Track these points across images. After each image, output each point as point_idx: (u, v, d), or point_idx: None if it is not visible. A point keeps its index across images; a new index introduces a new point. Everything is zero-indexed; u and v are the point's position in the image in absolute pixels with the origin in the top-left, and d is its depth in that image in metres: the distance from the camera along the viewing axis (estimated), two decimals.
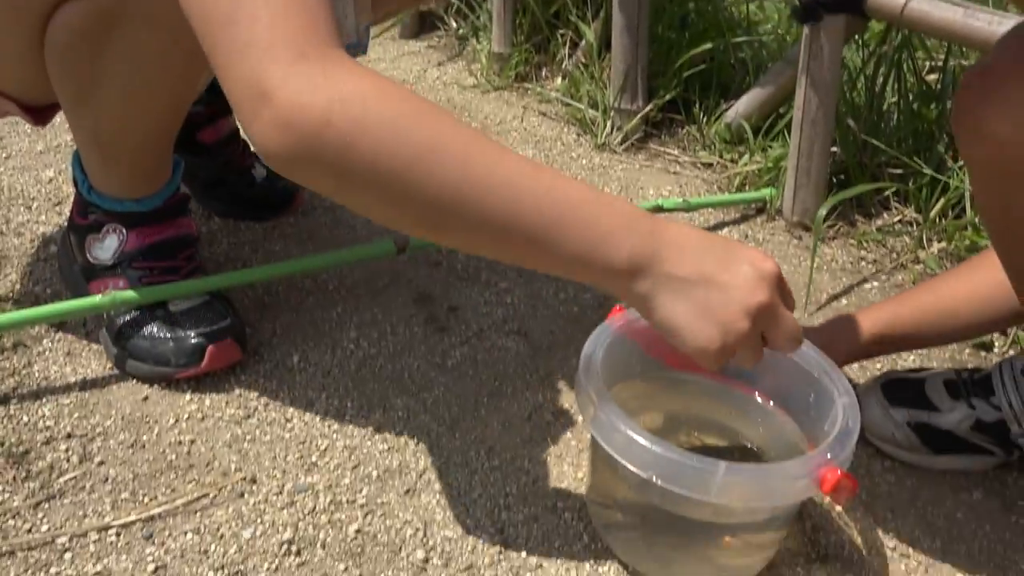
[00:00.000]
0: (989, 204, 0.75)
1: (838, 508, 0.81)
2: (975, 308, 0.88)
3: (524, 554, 0.73)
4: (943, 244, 1.18)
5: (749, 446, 0.78)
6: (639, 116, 1.44)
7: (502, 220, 0.59)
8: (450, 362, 0.95)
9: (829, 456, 0.63)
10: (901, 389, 0.88)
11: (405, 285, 1.06)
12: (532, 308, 1.05)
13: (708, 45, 1.44)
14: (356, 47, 0.98)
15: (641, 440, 0.62)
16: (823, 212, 1.12)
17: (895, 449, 0.86)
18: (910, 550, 0.77)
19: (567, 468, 0.82)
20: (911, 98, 1.28)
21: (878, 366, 0.99)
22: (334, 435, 0.84)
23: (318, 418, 0.85)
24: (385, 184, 0.58)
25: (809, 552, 0.76)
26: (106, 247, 0.90)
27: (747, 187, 1.33)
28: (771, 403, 0.77)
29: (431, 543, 0.74)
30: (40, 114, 0.93)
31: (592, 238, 0.60)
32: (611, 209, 0.61)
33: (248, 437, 0.83)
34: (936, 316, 0.89)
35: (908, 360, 1.00)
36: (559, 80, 1.64)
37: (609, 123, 1.46)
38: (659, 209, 1.20)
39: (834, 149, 1.27)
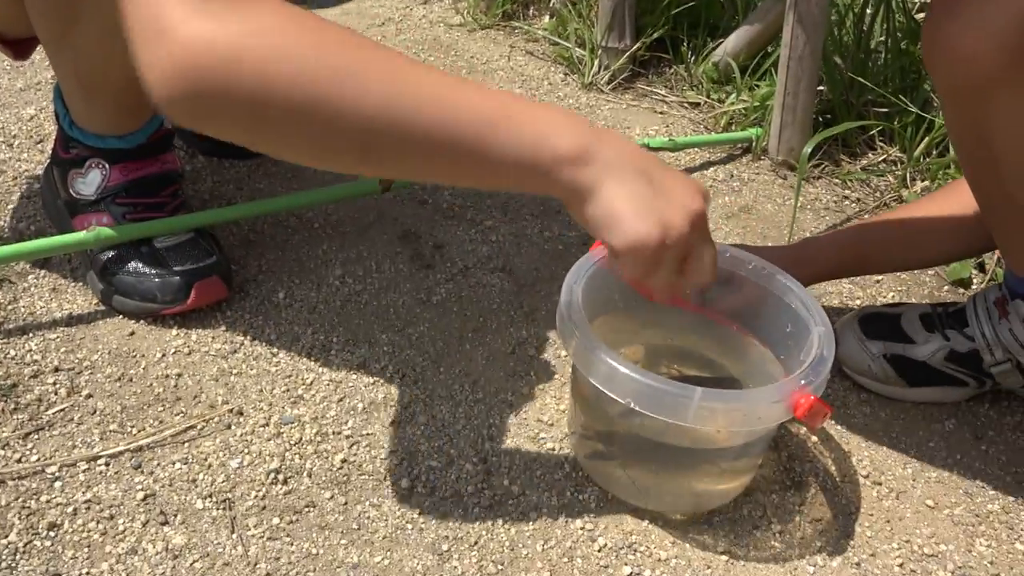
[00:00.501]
0: (959, 126, 0.75)
1: (813, 438, 0.83)
2: (943, 234, 0.89)
3: (507, 482, 0.75)
4: (926, 183, 1.18)
5: (729, 377, 0.80)
6: (626, 55, 1.43)
7: (439, 133, 0.56)
8: (435, 298, 0.95)
9: (803, 382, 0.64)
10: (877, 322, 0.89)
11: (391, 223, 1.07)
12: (516, 246, 1.05)
13: None
14: None
15: (620, 368, 0.63)
16: (808, 150, 1.12)
17: (871, 381, 0.88)
18: (882, 477, 0.79)
19: (549, 400, 0.84)
20: (899, 36, 1.27)
21: (857, 301, 1.00)
22: (320, 369, 0.85)
23: (304, 353, 0.86)
24: (309, 113, 0.53)
25: (784, 480, 0.78)
26: (89, 182, 0.90)
27: (734, 127, 1.33)
28: (749, 335, 0.79)
29: (416, 472, 0.75)
30: (20, 47, 0.92)
31: (533, 133, 0.57)
32: (547, 108, 0.59)
33: (235, 371, 0.84)
34: (903, 240, 0.90)
35: (887, 296, 1.02)
36: (546, 19, 1.62)
37: (596, 62, 1.45)
38: (645, 148, 1.19)
39: (821, 88, 1.26)
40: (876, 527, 0.75)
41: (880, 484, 0.79)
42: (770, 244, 1.09)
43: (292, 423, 0.78)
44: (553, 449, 0.79)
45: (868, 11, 1.27)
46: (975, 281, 1.05)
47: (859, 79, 1.23)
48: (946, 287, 1.04)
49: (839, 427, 0.85)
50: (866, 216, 1.16)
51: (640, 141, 1.20)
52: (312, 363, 0.85)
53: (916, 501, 0.77)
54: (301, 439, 0.77)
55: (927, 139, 1.19)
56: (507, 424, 0.81)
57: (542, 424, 0.81)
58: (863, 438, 0.84)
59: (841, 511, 0.76)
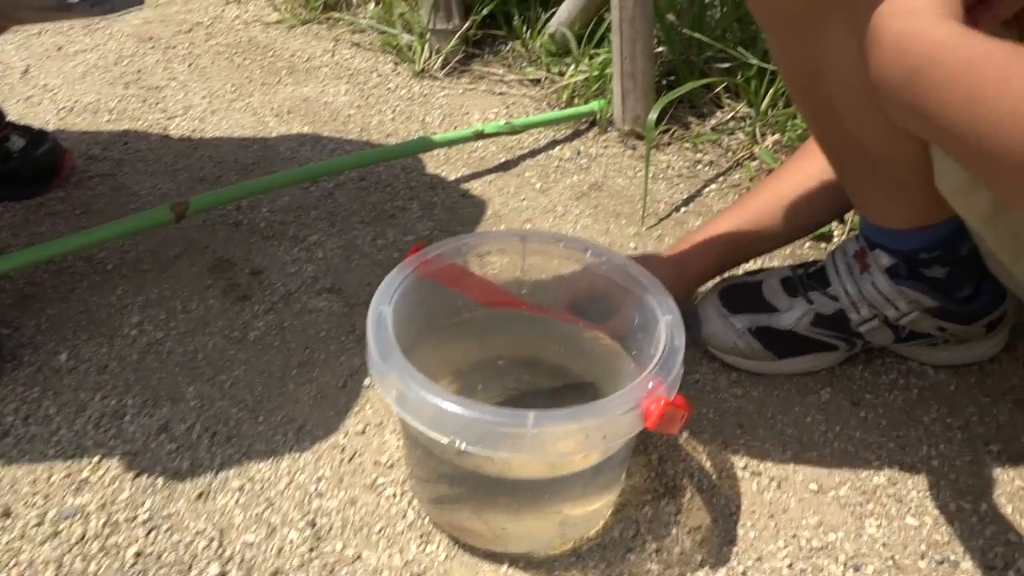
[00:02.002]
0: (790, 65, 0.68)
1: (685, 433, 0.75)
2: (815, 198, 0.83)
3: (339, 546, 0.64)
4: (776, 136, 1.13)
5: (583, 382, 0.71)
6: (457, 36, 1.33)
7: None
8: (252, 334, 0.83)
9: (651, 384, 0.55)
10: (738, 294, 0.82)
11: (199, 253, 0.93)
12: (346, 260, 0.94)
13: None
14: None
15: (438, 402, 0.53)
16: (653, 116, 1.04)
17: (739, 359, 0.81)
18: (761, 466, 0.72)
19: (389, 437, 0.73)
20: None
21: None
22: (111, 442, 0.71)
23: (91, 425, 0.73)
24: None
25: (656, 487, 0.70)
26: None
27: (577, 99, 1.24)
28: (597, 330, 0.70)
29: (228, 553, 0.63)
30: None
31: None
32: None
33: (1, 462, 0.69)
34: (776, 216, 0.83)
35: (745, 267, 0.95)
36: (371, 6, 1.50)
37: (426, 47, 1.34)
38: (480, 135, 1.10)
39: (660, 50, 1.19)
40: (759, 525, 0.67)
41: (760, 475, 0.72)
42: (631, 230, 1.01)
43: (73, 516, 0.65)
44: (394, 495, 0.68)
45: None
46: (835, 234, 0.99)
47: (697, 36, 1.16)
48: (808, 243, 0.98)
49: (711, 415, 0.77)
50: (721, 178, 1.10)
51: (474, 128, 1.10)
52: (101, 436, 0.72)
53: (799, 487, 0.71)
54: (84, 535, 0.64)
55: (772, 91, 1.13)
56: (340, 473, 0.70)
57: (380, 467, 0.70)
58: (738, 424, 0.76)
59: (721, 513, 0.68)
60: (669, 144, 1.16)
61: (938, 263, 0.74)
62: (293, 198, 1.03)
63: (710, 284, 0.86)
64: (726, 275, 0.86)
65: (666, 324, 0.60)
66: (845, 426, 0.77)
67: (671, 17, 1.17)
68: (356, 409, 0.76)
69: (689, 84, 1.11)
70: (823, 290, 0.79)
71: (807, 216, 0.85)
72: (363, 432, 0.73)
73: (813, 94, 0.67)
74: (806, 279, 0.80)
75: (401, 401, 0.55)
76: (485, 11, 1.35)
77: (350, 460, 0.71)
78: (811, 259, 0.94)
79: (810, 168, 0.83)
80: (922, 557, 0.65)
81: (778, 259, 0.96)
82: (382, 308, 0.60)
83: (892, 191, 0.71)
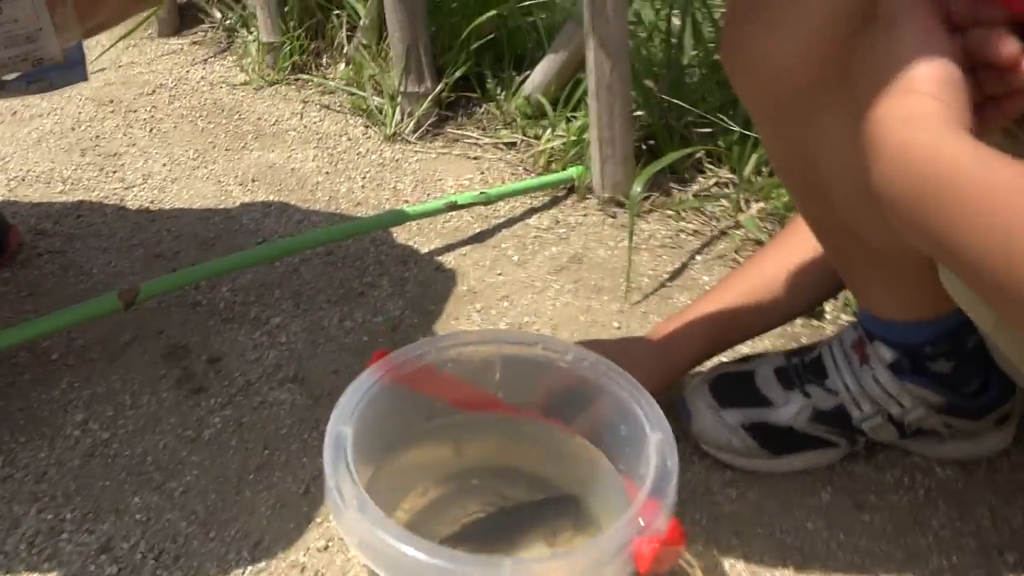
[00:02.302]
0: (779, 149, 0.64)
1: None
2: (803, 278, 0.79)
3: None
4: (760, 204, 1.09)
5: (564, 494, 0.65)
6: (429, 99, 1.29)
7: None
8: (207, 433, 0.77)
9: (643, 522, 0.50)
10: (731, 386, 0.77)
11: (153, 338, 0.87)
12: (312, 345, 0.88)
13: (493, 12, 1.29)
14: (67, 70, 0.78)
15: (406, 550, 0.47)
16: (637, 189, 1.00)
17: (733, 457, 0.76)
18: None
19: (353, 554, 0.67)
20: (711, 48, 1.18)
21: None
22: (44, 565, 0.64)
23: (24, 544, 0.66)
24: None
25: None
26: None
27: (554, 164, 1.20)
28: (578, 435, 0.65)
29: None
30: None
31: None
32: None
33: None
34: (766, 296, 0.79)
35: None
36: (342, 67, 1.46)
37: (398, 110, 1.30)
38: (454, 206, 1.05)
39: (638, 113, 1.16)
40: None
41: None
42: (614, 307, 0.96)
43: None
44: None
45: (675, 23, 1.18)
46: (827, 310, 0.95)
47: (675, 101, 1.13)
48: (799, 321, 0.94)
49: (704, 521, 0.71)
50: (706, 250, 1.06)
51: (448, 199, 1.05)
52: (34, 558, 0.65)
53: None
54: None
55: (755, 156, 1.10)
56: None
57: None
58: (734, 532, 0.71)
59: None
60: (650, 212, 1.12)
61: (943, 357, 0.69)
62: (256, 275, 0.97)
63: (698, 369, 0.81)
64: (715, 361, 0.81)
65: (656, 444, 0.55)
66: (849, 533, 0.71)
67: (649, 84, 1.13)
68: (318, 520, 0.69)
69: (670, 156, 1.07)
70: (820, 383, 0.74)
71: (799, 296, 0.80)
72: (325, 548, 0.67)
73: (805, 181, 0.63)
74: (802, 369, 0.76)
75: (364, 547, 0.49)
76: (457, 73, 1.31)
77: None
78: (804, 340, 0.90)
79: (801, 246, 0.79)
80: None
81: (769, 338, 0.91)
82: (341, 428, 0.54)
83: (893, 283, 0.66)
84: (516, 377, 0.65)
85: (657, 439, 0.55)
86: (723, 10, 1.19)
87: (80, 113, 1.35)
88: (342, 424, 0.54)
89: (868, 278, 0.67)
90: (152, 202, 1.12)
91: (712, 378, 0.78)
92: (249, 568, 0.65)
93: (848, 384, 0.72)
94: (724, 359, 0.83)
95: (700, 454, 0.77)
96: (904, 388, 0.70)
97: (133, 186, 1.15)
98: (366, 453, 0.56)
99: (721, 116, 1.11)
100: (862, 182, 0.50)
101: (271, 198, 1.14)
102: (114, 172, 1.18)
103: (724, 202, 1.12)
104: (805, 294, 0.81)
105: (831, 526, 0.72)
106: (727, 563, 0.68)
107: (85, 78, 0.81)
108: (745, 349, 0.87)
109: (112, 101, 1.39)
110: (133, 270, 0.98)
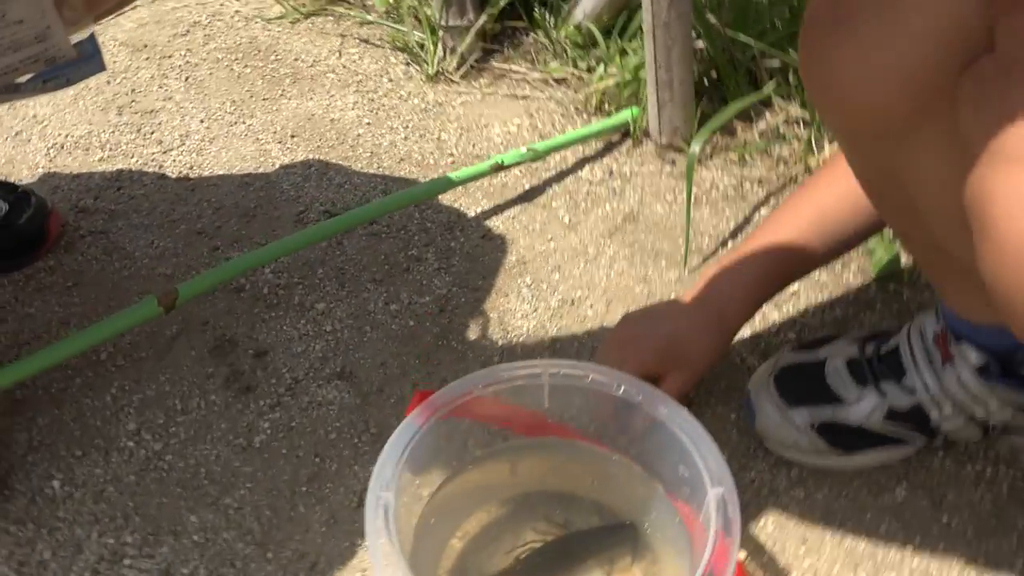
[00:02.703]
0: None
1: (742, 552, 0.67)
2: (855, 214, 0.72)
3: None
4: (835, 144, 1.00)
5: (622, 523, 0.63)
6: (473, 31, 1.20)
7: None
8: (258, 439, 0.76)
9: None
10: (797, 380, 0.72)
11: (198, 331, 0.86)
12: (358, 333, 0.85)
13: None
14: (83, 64, 0.74)
15: None
16: (696, 149, 0.92)
17: (800, 455, 0.72)
18: None
19: None
20: None
21: (772, 331, 0.83)
22: None
23: (88, 573, 0.67)
24: None
25: None
26: None
27: (608, 104, 1.12)
28: (632, 462, 0.61)
29: None
30: None
31: None
32: None
33: None
34: (817, 236, 0.74)
35: (807, 319, 0.84)
36: None
37: (439, 45, 1.22)
38: (500, 167, 0.99)
39: (700, 45, 1.06)
40: None
41: None
42: (672, 274, 0.90)
43: None
44: None
45: None
46: (905, 275, 0.88)
47: (740, 36, 1.02)
48: (873, 287, 0.87)
49: (770, 527, 0.69)
50: (772, 200, 0.98)
51: (493, 160, 0.99)
52: None
53: None
54: None
55: None
56: None
57: None
58: (802, 535, 0.68)
59: None
60: (711, 157, 1.04)
61: None
62: (299, 252, 0.94)
63: (752, 338, 0.76)
64: (780, 354, 0.75)
65: (715, 501, 0.51)
66: (925, 536, 0.67)
67: (712, 19, 1.03)
68: None
69: (734, 105, 0.98)
70: (898, 381, 0.68)
71: (856, 232, 0.74)
72: (387, 556, 0.66)
73: (892, 199, 0.55)
74: (877, 363, 0.70)
75: None
76: (503, 2, 1.21)
77: None
78: (878, 315, 0.84)
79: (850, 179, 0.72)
80: None
81: (840, 308, 0.85)
82: (382, 495, 0.51)
83: (983, 292, 0.59)
84: (566, 404, 0.61)
85: (717, 495, 0.51)
86: None
87: (114, 63, 1.30)
88: (382, 489, 0.52)
89: (959, 287, 0.61)
90: (191, 167, 1.08)
91: (778, 370, 0.73)
92: None
93: (928, 384, 0.67)
94: (789, 345, 0.77)
95: (764, 451, 0.73)
96: (992, 391, 0.64)
97: (171, 149, 1.12)
98: (416, 487, 0.55)
99: (792, 49, 1.00)
100: (960, 214, 0.44)
101: (311, 156, 1.09)
102: (152, 133, 1.15)
103: (794, 143, 1.03)
104: (862, 230, 0.75)
105: (906, 528, 0.68)
106: (795, 572, 0.65)
107: (103, 68, 0.77)
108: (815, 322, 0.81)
109: (146, 46, 1.34)
110: (176, 250, 0.96)
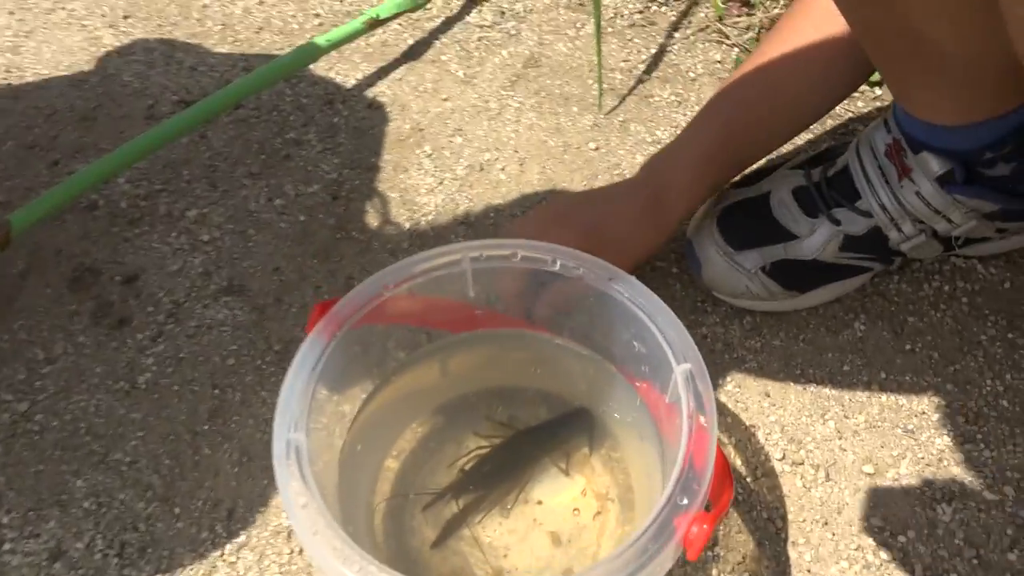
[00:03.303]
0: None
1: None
2: (825, 73, 0.64)
3: None
4: None
5: (572, 408, 0.56)
6: None
7: None
8: (142, 380, 0.65)
9: (686, 500, 0.40)
10: (743, 220, 0.65)
11: (52, 263, 0.73)
12: (241, 238, 0.74)
13: None
14: None
15: None
16: None
17: (752, 302, 0.65)
18: (801, 451, 0.59)
19: None
20: None
21: None
22: None
23: None
24: None
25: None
26: None
27: None
28: (572, 342, 0.54)
29: None
30: None
31: None
32: None
33: None
34: (781, 103, 0.64)
35: None
36: None
37: None
38: (376, 22, 0.85)
39: None
40: (814, 540, 0.55)
41: (802, 463, 0.59)
42: (586, 120, 0.80)
43: None
44: None
45: None
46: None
47: None
48: None
49: (729, 385, 0.63)
50: (686, 24, 0.88)
51: (366, 16, 0.85)
52: None
53: (851, 473, 0.58)
54: None
55: None
56: (292, 569, 0.55)
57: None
58: (763, 389, 0.62)
59: (764, 532, 0.56)
60: None
61: (1003, 160, 0.57)
62: (157, 155, 0.80)
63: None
64: (719, 194, 0.68)
65: (684, 375, 0.44)
66: (890, 368, 0.63)
67: None
68: None
69: None
70: (851, 205, 0.62)
71: (808, 107, 0.66)
72: (305, 505, 0.58)
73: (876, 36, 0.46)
74: (826, 188, 0.63)
75: None
76: None
77: (300, 551, 0.56)
78: (822, 140, 0.76)
79: (817, 30, 0.63)
80: (1011, 548, 0.54)
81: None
82: (291, 437, 0.42)
83: (955, 87, 0.52)
84: (493, 289, 0.52)
85: (684, 371, 0.44)
86: None
87: None
88: (289, 430, 0.43)
89: (924, 83, 0.53)
90: (8, 70, 0.91)
91: (719, 212, 0.66)
92: (228, 546, 0.57)
93: (885, 203, 0.61)
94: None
95: (712, 302, 0.67)
96: (954, 202, 0.58)
97: None
98: (335, 405, 0.46)
99: None
100: None
101: (151, 37, 0.92)
102: None
103: None
104: (819, 106, 0.66)
105: (869, 363, 0.63)
106: (761, 432, 0.60)
107: None
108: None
109: None
110: (6, 171, 0.80)
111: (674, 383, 0.44)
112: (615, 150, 0.78)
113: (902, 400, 0.61)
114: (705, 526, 0.39)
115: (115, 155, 0.73)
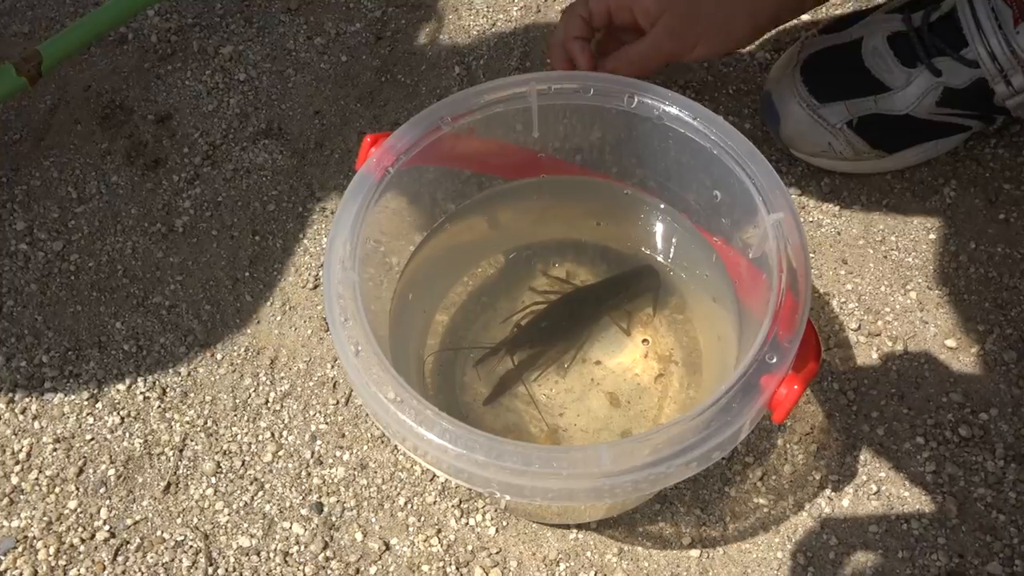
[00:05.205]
0: None
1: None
2: None
3: (360, 536, 0.50)
4: None
5: (638, 266, 0.52)
6: None
7: None
8: (180, 223, 0.62)
9: (776, 359, 0.36)
10: (829, 69, 0.59)
11: (81, 99, 0.68)
12: (280, 78, 0.69)
13: None
14: None
15: (460, 452, 0.35)
16: None
17: (834, 162, 0.60)
18: (879, 323, 0.55)
19: None
20: None
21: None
22: (34, 425, 0.55)
23: (2, 404, 0.55)
24: None
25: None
26: None
27: None
28: (649, 194, 0.49)
29: (221, 571, 0.49)
30: None
31: None
32: None
33: None
34: None
35: None
36: None
37: None
38: None
39: None
40: (888, 414, 0.52)
41: (879, 335, 0.55)
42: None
43: (13, 549, 0.51)
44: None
45: None
46: None
47: None
48: None
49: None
50: None
51: None
52: (20, 420, 0.55)
53: (932, 345, 0.54)
54: (36, 570, 0.50)
55: None
56: (338, 424, 0.54)
57: None
58: (841, 259, 0.58)
59: (836, 406, 0.53)
60: None
61: None
62: None
63: (769, 47, 0.62)
64: (803, 40, 0.61)
65: (775, 226, 0.39)
66: (980, 238, 0.58)
67: None
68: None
69: None
70: (955, 53, 0.55)
71: None
72: (356, 354, 0.56)
73: None
74: (927, 34, 0.56)
75: (414, 447, 0.37)
76: None
77: (346, 402, 0.54)
78: None
79: None
80: None
81: None
82: (345, 275, 0.39)
83: None
84: (559, 130, 0.48)
85: (776, 220, 0.39)
86: None
87: None
88: (341, 267, 0.39)
89: None
90: None
91: (803, 60, 0.59)
92: (271, 394, 0.55)
93: (995, 51, 0.54)
94: (812, 29, 0.63)
95: (789, 160, 0.62)
96: None
97: None
98: (382, 256, 0.43)
99: None
100: None
101: None
102: None
103: None
104: None
105: (959, 232, 0.59)
106: (837, 301, 0.56)
107: None
108: None
109: None
110: (30, 0, 0.75)
111: (762, 235, 0.40)
112: None
113: (992, 273, 0.57)
114: (796, 386, 0.36)
115: None
